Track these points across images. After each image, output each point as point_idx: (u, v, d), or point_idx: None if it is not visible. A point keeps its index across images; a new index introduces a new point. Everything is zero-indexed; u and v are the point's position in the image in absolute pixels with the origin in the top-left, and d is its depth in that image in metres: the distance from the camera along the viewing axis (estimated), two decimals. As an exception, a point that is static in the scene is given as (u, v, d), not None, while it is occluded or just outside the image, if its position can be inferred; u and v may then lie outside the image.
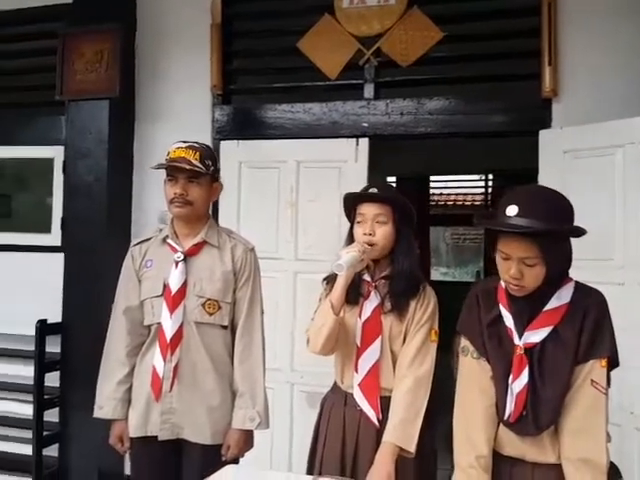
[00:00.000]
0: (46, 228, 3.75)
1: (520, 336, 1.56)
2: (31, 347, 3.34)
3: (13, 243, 3.77)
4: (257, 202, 3.42)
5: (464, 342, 1.67)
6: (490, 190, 8.41)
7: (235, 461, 2.11)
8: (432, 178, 8.26)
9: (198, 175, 2.08)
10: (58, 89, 3.57)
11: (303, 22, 3.42)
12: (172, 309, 2.05)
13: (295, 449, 3.23)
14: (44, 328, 3.29)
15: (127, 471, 3.41)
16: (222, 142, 3.47)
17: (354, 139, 3.28)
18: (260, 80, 3.71)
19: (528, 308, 1.56)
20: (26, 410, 3.32)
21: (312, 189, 3.35)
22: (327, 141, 3.34)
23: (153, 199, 3.56)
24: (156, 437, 2.07)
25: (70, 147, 3.56)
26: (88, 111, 3.52)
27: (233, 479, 1.78)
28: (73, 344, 3.39)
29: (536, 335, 1.55)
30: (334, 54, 3.37)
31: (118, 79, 3.47)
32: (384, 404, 1.89)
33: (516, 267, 1.49)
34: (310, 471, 1.98)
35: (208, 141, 3.32)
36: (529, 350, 1.55)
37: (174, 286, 2.06)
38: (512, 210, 1.48)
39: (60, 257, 3.52)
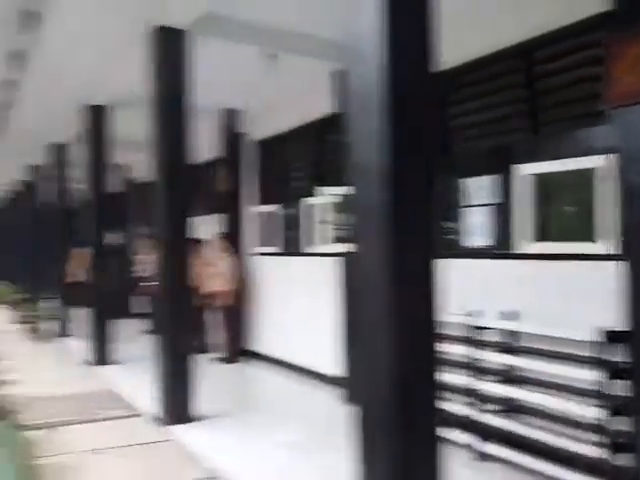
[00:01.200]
0: (590, 237, 3.81)
1: None
2: (587, 352, 3.42)
3: (561, 252, 3.96)
4: None
5: None
6: None
7: None
8: None
9: None
10: (604, 97, 3.56)
11: None
12: None
13: None
14: (611, 336, 3.30)
15: None
16: None
17: None
18: None
19: None
20: (588, 413, 3.38)
21: None
22: None
23: None
24: None
25: (621, 153, 3.50)
26: (637, 115, 3.39)
27: None
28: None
29: None
30: None
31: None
32: None
33: None
34: None
35: None
36: None
37: None
38: None
39: (607, 265, 3.50)
